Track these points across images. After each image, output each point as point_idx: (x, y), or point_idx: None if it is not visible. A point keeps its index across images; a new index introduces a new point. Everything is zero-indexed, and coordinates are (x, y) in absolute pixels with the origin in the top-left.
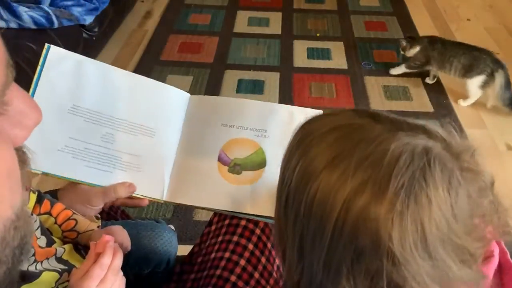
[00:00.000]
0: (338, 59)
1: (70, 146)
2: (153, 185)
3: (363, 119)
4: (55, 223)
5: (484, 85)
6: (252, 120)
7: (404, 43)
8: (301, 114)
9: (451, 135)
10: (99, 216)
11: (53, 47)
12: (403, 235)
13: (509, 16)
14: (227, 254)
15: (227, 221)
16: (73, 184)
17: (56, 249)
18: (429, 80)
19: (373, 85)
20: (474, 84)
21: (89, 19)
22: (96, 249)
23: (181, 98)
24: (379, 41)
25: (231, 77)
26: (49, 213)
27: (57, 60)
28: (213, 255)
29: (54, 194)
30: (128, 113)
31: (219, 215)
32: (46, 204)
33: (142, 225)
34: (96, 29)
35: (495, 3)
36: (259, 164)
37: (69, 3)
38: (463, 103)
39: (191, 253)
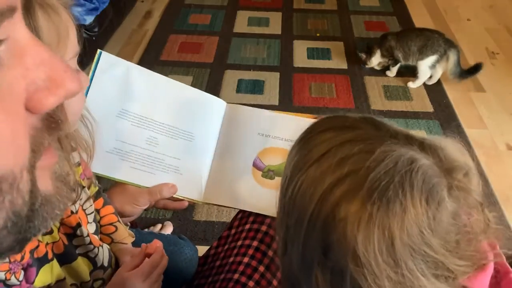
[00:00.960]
0: (338, 59)
1: (117, 148)
2: (191, 186)
3: (363, 124)
4: (99, 221)
5: (434, 65)
6: (288, 131)
7: (363, 56)
8: None
9: (450, 152)
10: (133, 234)
11: (104, 53)
12: (369, 237)
13: (509, 16)
14: (246, 259)
15: (247, 226)
16: (121, 185)
17: (102, 244)
18: (391, 74)
19: (373, 85)
20: (426, 64)
21: (89, 19)
22: (147, 249)
23: (219, 106)
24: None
25: (231, 77)
26: (98, 211)
27: (109, 66)
28: (231, 259)
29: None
30: (170, 118)
31: (240, 220)
32: (99, 201)
33: (165, 239)
34: (96, 29)
35: (495, 3)
36: None
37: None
38: (412, 85)
39: (206, 255)
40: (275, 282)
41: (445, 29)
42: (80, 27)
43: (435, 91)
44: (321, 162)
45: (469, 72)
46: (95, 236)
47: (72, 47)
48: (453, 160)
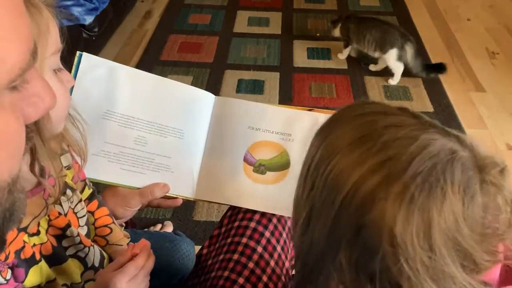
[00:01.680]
0: (338, 59)
1: (105, 150)
2: (183, 184)
3: (403, 112)
4: (93, 224)
5: (400, 58)
6: (278, 124)
7: (331, 24)
8: (325, 119)
9: (482, 149)
10: (129, 235)
11: (85, 54)
12: (408, 218)
13: (509, 16)
14: (235, 256)
15: (236, 223)
16: (112, 187)
17: (93, 244)
18: (340, 56)
19: (373, 85)
20: (391, 58)
21: (89, 19)
22: (133, 249)
23: (207, 99)
24: None
25: (231, 77)
26: (92, 213)
27: (90, 68)
28: (221, 256)
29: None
30: (158, 116)
31: (229, 217)
32: (94, 203)
33: (161, 237)
34: (96, 29)
35: (495, 3)
36: (283, 165)
37: (69, 3)
38: (392, 82)
39: (199, 255)
40: (264, 278)
41: (445, 29)
42: (63, 27)
43: (435, 91)
44: (357, 146)
45: (433, 67)
46: (86, 238)
47: (54, 43)
48: (486, 157)
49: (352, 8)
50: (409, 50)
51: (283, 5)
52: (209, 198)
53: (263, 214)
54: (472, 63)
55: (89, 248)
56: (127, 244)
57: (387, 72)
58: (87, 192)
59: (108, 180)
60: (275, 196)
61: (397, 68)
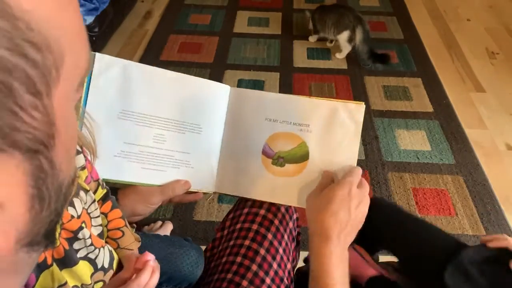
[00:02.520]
0: (338, 59)
1: (125, 150)
2: (203, 179)
3: None
4: (106, 226)
5: (350, 40)
6: (295, 115)
7: (307, 14)
8: (343, 108)
9: None
10: (139, 238)
11: (98, 55)
12: None
13: (509, 16)
14: (238, 259)
15: (238, 225)
16: (132, 185)
17: (104, 245)
18: (312, 39)
19: (373, 85)
20: (343, 38)
21: (89, 19)
22: (136, 264)
23: (223, 91)
24: (379, 41)
25: (231, 77)
26: (106, 215)
27: (104, 67)
28: (224, 259)
29: (114, 192)
30: (175, 112)
31: (232, 220)
32: (107, 205)
33: (170, 242)
34: (96, 29)
35: (495, 3)
36: (302, 157)
37: None
38: (338, 56)
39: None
40: (268, 280)
41: (445, 29)
42: None
43: (435, 91)
44: None
45: (378, 57)
46: (99, 238)
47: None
48: None
49: None
50: (359, 34)
51: (283, 5)
52: (228, 191)
53: (264, 216)
54: (472, 63)
55: (99, 249)
56: (138, 248)
57: (387, 72)
58: (101, 192)
59: (130, 180)
60: (295, 188)
61: (346, 48)
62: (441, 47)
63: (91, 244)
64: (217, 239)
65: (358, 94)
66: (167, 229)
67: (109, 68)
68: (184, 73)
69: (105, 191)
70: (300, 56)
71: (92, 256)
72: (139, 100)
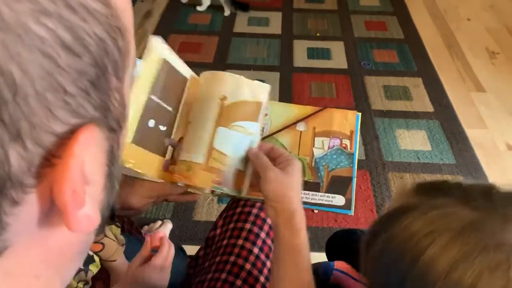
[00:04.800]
0: (338, 59)
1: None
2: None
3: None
4: None
5: None
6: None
7: None
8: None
9: None
10: (124, 240)
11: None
12: None
13: (509, 16)
14: (232, 258)
15: (231, 225)
16: (129, 178)
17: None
18: (200, 8)
19: (373, 84)
20: None
21: None
22: (152, 243)
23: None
24: (379, 41)
25: None
26: None
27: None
28: (218, 258)
29: None
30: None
31: (224, 219)
32: None
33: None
34: None
35: (495, 3)
36: None
37: None
38: (199, 8)
39: (196, 256)
40: (262, 279)
41: (445, 29)
42: None
43: (435, 91)
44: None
45: (238, 4)
46: None
47: None
48: None
49: (352, 8)
50: None
51: (283, 5)
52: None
53: (257, 215)
54: (472, 63)
55: None
56: (123, 245)
57: (387, 72)
58: None
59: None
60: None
61: (205, 1)
62: (442, 47)
63: None
64: (210, 238)
65: (358, 94)
66: (166, 228)
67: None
68: None
69: None
70: (300, 56)
71: None
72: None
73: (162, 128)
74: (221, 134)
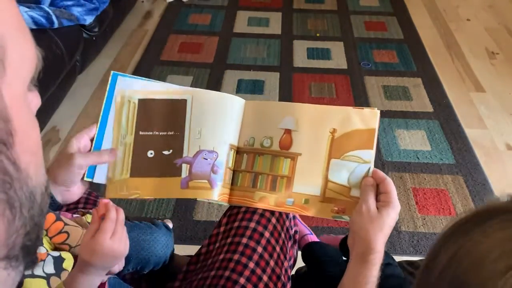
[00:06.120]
0: (338, 59)
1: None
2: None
3: None
4: (46, 235)
5: None
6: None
7: None
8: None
9: None
10: (86, 222)
11: (119, 75)
12: None
13: (509, 16)
14: (236, 256)
15: (236, 223)
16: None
17: (48, 254)
18: None
19: (373, 85)
20: None
21: (89, 19)
22: (98, 212)
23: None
24: (379, 41)
25: (231, 77)
26: None
27: (127, 86)
28: (221, 256)
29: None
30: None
31: (229, 217)
32: None
33: (140, 228)
34: (96, 29)
35: (495, 3)
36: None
37: (69, 3)
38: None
39: (199, 253)
40: (265, 278)
41: (445, 29)
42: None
43: (435, 91)
44: None
45: None
46: (40, 251)
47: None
48: None
49: (351, 8)
50: None
51: (283, 5)
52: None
53: (262, 214)
54: (472, 63)
55: (44, 261)
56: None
57: (387, 72)
58: None
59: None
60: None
61: None
62: (441, 47)
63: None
64: (213, 235)
65: (358, 94)
66: None
67: (131, 88)
68: (184, 73)
69: None
70: (300, 56)
71: (37, 272)
72: None
73: (166, 152)
74: (335, 166)
